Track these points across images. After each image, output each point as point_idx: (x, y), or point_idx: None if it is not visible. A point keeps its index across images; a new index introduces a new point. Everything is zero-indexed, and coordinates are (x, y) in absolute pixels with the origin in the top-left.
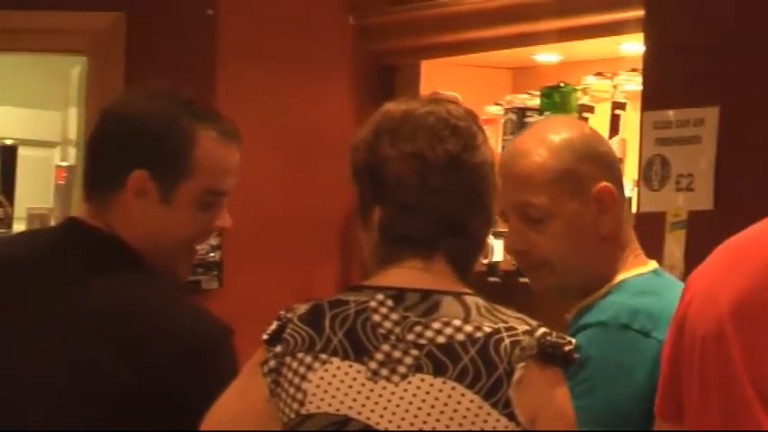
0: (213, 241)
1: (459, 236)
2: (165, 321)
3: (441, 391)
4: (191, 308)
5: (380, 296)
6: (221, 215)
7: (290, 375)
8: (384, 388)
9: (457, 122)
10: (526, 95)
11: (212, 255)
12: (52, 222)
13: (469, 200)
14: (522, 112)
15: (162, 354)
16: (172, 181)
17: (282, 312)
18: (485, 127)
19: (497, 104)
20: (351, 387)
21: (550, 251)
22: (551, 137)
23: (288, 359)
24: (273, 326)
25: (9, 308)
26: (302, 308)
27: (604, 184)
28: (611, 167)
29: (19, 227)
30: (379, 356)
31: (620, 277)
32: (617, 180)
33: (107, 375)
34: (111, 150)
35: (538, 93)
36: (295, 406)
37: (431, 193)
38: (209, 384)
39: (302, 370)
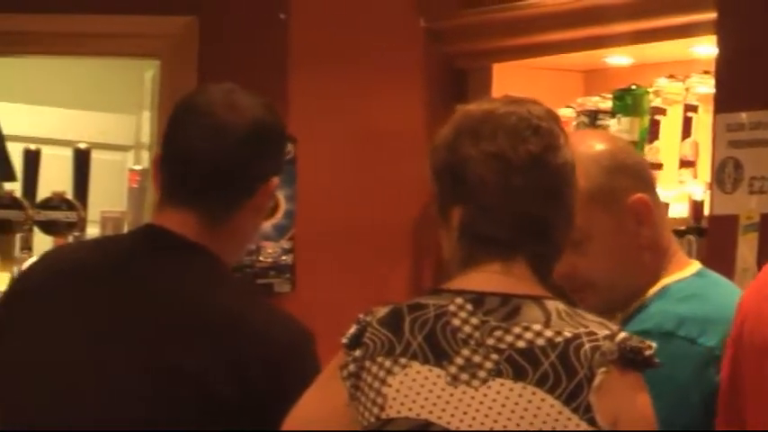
0: (286, 244)
1: (540, 238)
2: (250, 325)
3: (521, 395)
4: (275, 312)
5: (460, 300)
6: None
7: (369, 379)
8: (464, 392)
9: (539, 122)
10: (598, 98)
11: (284, 258)
12: (125, 226)
13: (551, 201)
14: (593, 114)
15: (249, 357)
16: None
17: (361, 316)
18: None
19: (569, 107)
20: (431, 391)
21: (593, 272)
22: (583, 154)
23: (367, 363)
24: (353, 329)
25: (91, 311)
26: (381, 311)
27: (638, 195)
28: (641, 176)
29: (92, 230)
30: (459, 361)
31: (662, 283)
32: (650, 188)
33: (192, 380)
34: (244, 158)
35: (610, 95)
36: (375, 410)
37: (512, 194)
38: (294, 389)
39: (382, 374)
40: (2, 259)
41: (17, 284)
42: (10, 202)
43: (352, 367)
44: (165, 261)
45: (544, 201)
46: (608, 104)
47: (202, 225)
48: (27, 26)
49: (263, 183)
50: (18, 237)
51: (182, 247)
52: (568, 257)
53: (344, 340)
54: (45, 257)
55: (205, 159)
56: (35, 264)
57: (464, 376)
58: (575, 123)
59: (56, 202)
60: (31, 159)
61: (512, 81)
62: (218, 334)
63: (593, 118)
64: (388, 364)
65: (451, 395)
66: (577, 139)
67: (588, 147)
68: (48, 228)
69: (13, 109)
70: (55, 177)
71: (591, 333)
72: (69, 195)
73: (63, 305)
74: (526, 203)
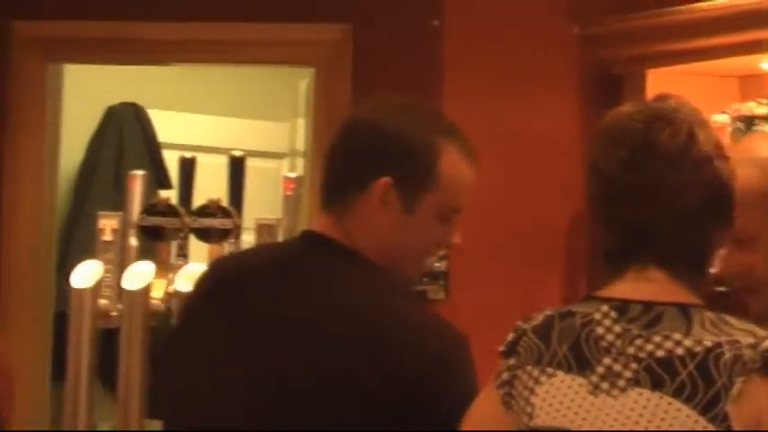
0: (440, 251)
1: (688, 243)
2: (409, 331)
3: (657, 405)
4: (432, 318)
5: (605, 308)
6: (455, 231)
7: (520, 388)
8: (604, 401)
9: (681, 124)
10: (753, 103)
11: (438, 265)
12: (280, 233)
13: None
14: (749, 120)
15: (407, 363)
16: (416, 192)
17: (519, 323)
18: None
19: (724, 113)
20: (573, 401)
21: None
22: (758, 155)
23: (519, 372)
24: (510, 337)
25: (253, 315)
26: (537, 319)
27: None
28: None
29: (247, 237)
30: (601, 370)
31: None
32: None
33: (352, 381)
34: (357, 156)
35: (766, 101)
36: (525, 419)
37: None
38: (448, 394)
39: (530, 383)
40: (158, 266)
41: (191, 296)
42: (166, 209)
43: (505, 375)
44: (323, 267)
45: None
46: (764, 110)
47: (333, 222)
48: (183, 35)
49: (372, 181)
50: (174, 244)
51: (338, 252)
52: (741, 256)
53: (501, 348)
54: (214, 265)
55: (330, 159)
56: (206, 272)
57: (604, 385)
58: (730, 129)
59: (211, 209)
60: (187, 167)
61: (666, 86)
62: (376, 339)
63: (748, 123)
64: (536, 373)
65: (592, 404)
66: (752, 142)
67: (764, 149)
68: (203, 235)
69: (169, 117)
70: (210, 185)
71: (733, 342)
72: (224, 203)
73: (231, 311)
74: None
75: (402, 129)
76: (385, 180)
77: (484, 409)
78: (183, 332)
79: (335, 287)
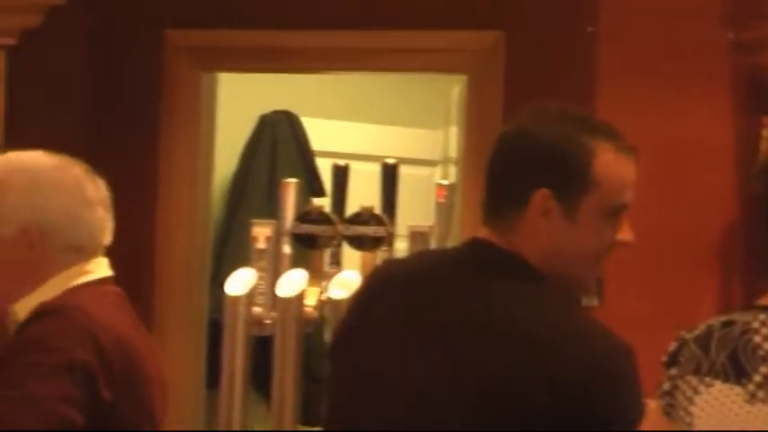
0: None
1: None
2: (576, 341)
3: None
4: (598, 328)
5: (762, 316)
6: (623, 229)
7: (680, 398)
8: (759, 410)
9: None
10: None
11: None
12: (432, 241)
13: None
14: None
15: (574, 373)
16: (574, 198)
17: (683, 333)
18: None
19: None
20: (730, 410)
21: None
22: None
23: (679, 382)
24: (672, 347)
25: (420, 319)
26: (699, 328)
27: None
28: None
29: (400, 245)
30: (757, 378)
31: None
32: None
33: (516, 388)
34: (512, 171)
35: None
36: (684, 428)
37: None
38: (612, 402)
39: (690, 393)
40: (311, 274)
41: (358, 299)
42: (319, 217)
43: (666, 385)
44: (485, 272)
45: None
46: None
47: (497, 235)
48: (336, 43)
49: (530, 194)
50: (327, 252)
51: (504, 260)
52: None
53: (663, 358)
54: (383, 270)
55: (488, 174)
56: (374, 276)
57: (760, 394)
58: None
59: (364, 217)
60: (340, 175)
61: None
62: (541, 347)
63: None
64: (695, 382)
65: (748, 413)
66: None
67: None
68: (356, 243)
69: (322, 125)
70: (363, 192)
71: None
72: (377, 210)
73: (395, 318)
74: None
75: (553, 137)
76: (542, 192)
77: (647, 419)
78: (348, 335)
79: (501, 296)
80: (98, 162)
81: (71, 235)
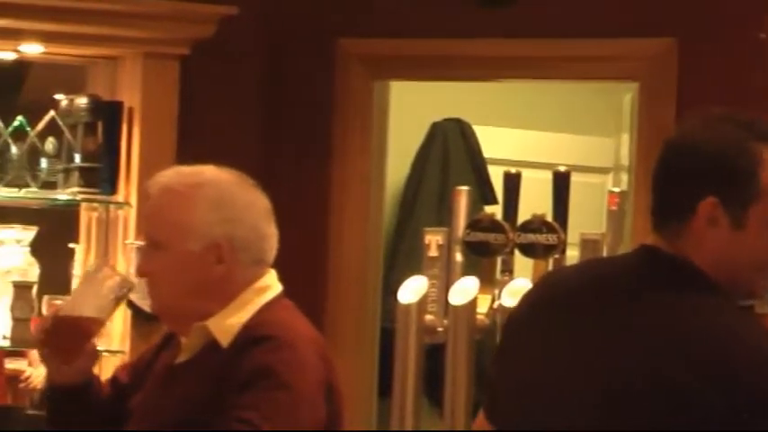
0: None
1: None
2: (750, 348)
3: None
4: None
5: None
6: None
7: None
8: None
9: None
10: None
11: None
12: (604, 248)
13: None
14: None
15: (749, 379)
16: (742, 206)
17: None
18: None
19: None
20: None
21: None
22: None
23: None
24: None
25: (589, 326)
26: None
27: None
28: None
29: (571, 253)
30: None
31: None
32: None
33: (689, 393)
34: (679, 180)
35: None
36: None
37: None
38: None
39: None
40: (483, 282)
41: (521, 307)
42: (491, 225)
43: None
44: (657, 283)
45: None
46: None
47: (666, 243)
48: (507, 51)
49: (697, 203)
50: (499, 260)
51: (674, 267)
52: None
53: None
54: (545, 279)
55: (654, 182)
56: (537, 286)
57: None
58: None
59: (536, 224)
60: (512, 182)
61: None
62: (714, 357)
63: None
64: None
65: None
66: None
67: None
68: (528, 250)
69: (493, 132)
70: (535, 200)
71: None
72: (549, 218)
73: (564, 325)
74: None
75: (719, 145)
76: (710, 201)
77: None
78: (515, 341)
79: (674, 303)
80: (270, 171)
81: (257, 249)
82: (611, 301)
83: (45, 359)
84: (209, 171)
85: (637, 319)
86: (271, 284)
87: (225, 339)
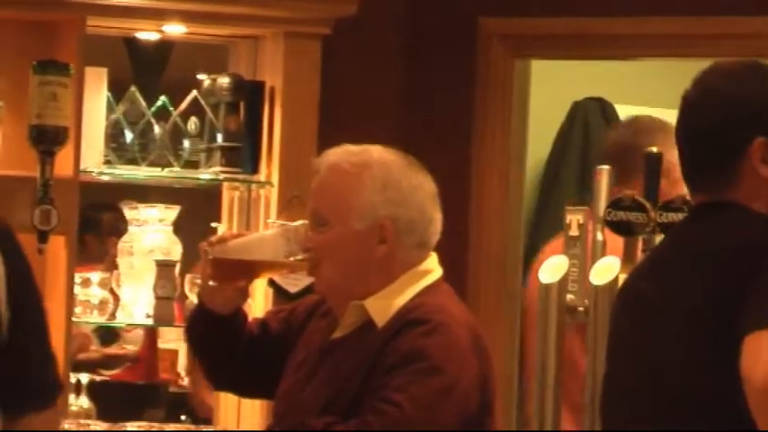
0: None
1: None
2: None
3: None
4: None
5: None
6: None
7: None
8: None
9: None
10: None
11: None
12: None
13: None
14: None
15: None
16: None
17: None
18: None
19: None
20: None
21: None
22: None
23: None
24: None
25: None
26: None
27: None
28: None
29: None
30: None
31: None
32: None
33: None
34: (717, 132)
35: None
36: None
37: None
38: None
39: None
40: (624, 261)
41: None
42: (632, 204)
43: None
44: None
45: None
46: None
47: (716, 195)
48: (648, 30)
49: (747, 145)
50: (640, 239)
51: (728, 207)
52: None
53: None
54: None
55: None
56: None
57: None
58: None
59: (678, 204)
60: (653, 161)
61: None
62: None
63: None
64: None
65: None
66: None
67: None
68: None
69: (635, 112)
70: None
71: None
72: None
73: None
74: None
75: (753, 89)
76: (759, 141)
77: None
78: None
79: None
80: (410, 151)
81: (422, 232)
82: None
83: (203, 285)
84: (376, 151)
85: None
86: (432, 268)
87: (381, 320)
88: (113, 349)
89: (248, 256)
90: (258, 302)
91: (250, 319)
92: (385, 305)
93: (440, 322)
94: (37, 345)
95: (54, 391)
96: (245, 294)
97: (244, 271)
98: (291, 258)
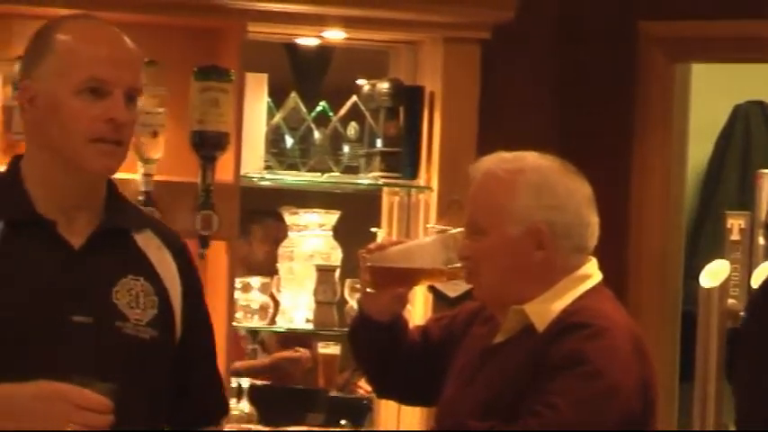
0: None
1: None
2: None
3: None
4: None
5: None
6: None
7: None
8: None
9: None
10: None
11: None
12: None
13: None
14: None
15: None
16: None
17: None
18: None
19: None
20: None
21: None
22: None
23: None
24: None
25: None
26: None
27: None
28: None
29: None
30: None
31: None
32: None
33: None
34: None
35: None
36: None
37: None
38: None
39: None
40: None
41: None
42: None
43: None
44: None
45: None
46: None
47: None
48: None
49: None
50: None
51: None
52: None
53: None
54: None
55: None
56: None
57: None
58: None
59: None
60: None
61: None
62: None
63: None
64: None
65: None
66: None
67: None
68: None
69: None
70: None
71: None
72: None
73: None
74: None
75: None
76: None
77: None
78: None
79: None
80: (567, 155)
81: (579, 237)
82: None
83: (362, 292)
84: (531, 157)
85: None
86: (592, 273)
87: (541, 324)
88: (288, 353)
89: (406, 264)
90: (418, 307)
91: (411, 325)
92: (545, 309)
93: (601, 326)
94: (207, 365)
95: (220, 413)
96: (403, 301)
97: (402, 279)
98: (449, 266)
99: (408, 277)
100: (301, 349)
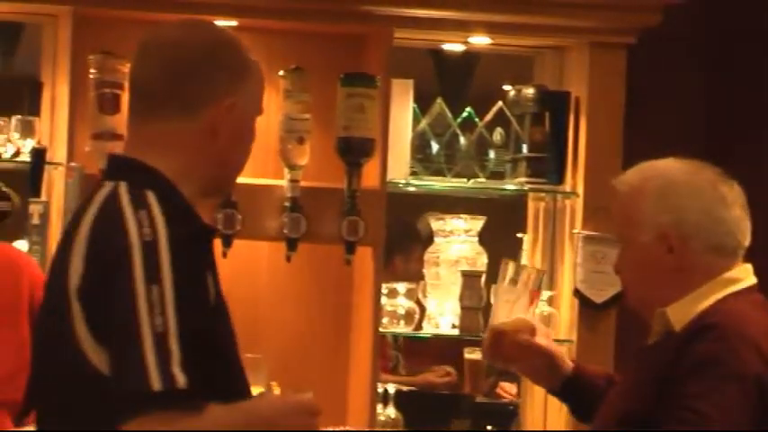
0: None
1: None
2: None
3: None
4: None
5: None
6: None
7: None
8: None
9: None
10: None
11: None
12: None
13: None
14: None
15: None
16: None
17: None
18: None
19: None
20: None
21: None
22: None
23: None
24: None
25: None
26: None
27: None
28: None
29: None
30: None
31: None
32: None
33: None
34: None
35: None
36: None
37: None
38: None
39: None
40: None
41: None
42: None
43: None
44: None
45: None
46: None
47: None
48: None
49: None
50: None
51: None
52: None
53: None
54: None
55: None
56: None
57: None
58: None
59: None
60: None
61: None
62: None
63: None
64: None
65: None
66: None
67: None
68: None
69: None
70: None
71: None
72: None
73: None
74: None
75: None
76: None
77: None
78: None
79: None
80: (717, 161)
81: (711, 234)
82: None
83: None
84: (663, 163)
85: None
86: (741, 277)
87: (678, 325)
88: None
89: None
90: (564, 312)
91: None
92: (684, 311)
93: (732, 327)
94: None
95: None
96: (540, 352)
97: (496, 348)
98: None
99: (511, 334)
100: (449, 369)
